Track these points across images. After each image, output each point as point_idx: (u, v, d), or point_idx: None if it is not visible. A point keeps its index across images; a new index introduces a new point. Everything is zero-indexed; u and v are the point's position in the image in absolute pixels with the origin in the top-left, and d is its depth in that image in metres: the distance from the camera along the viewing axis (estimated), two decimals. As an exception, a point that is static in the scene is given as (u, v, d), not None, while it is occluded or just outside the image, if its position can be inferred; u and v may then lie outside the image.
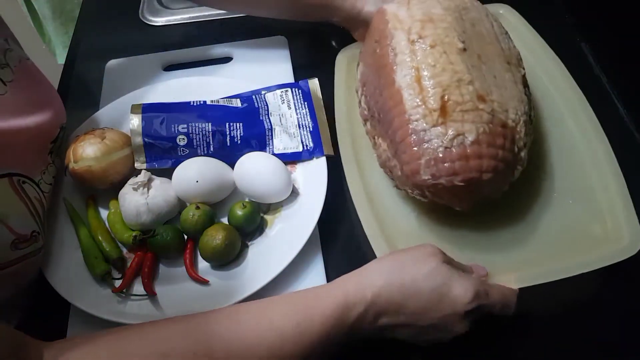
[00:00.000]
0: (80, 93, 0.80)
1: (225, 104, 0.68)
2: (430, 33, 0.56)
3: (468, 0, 0.62)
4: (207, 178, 0.61)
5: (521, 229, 0.58)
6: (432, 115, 0.52)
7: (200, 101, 0.68)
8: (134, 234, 0.59)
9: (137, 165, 0.64)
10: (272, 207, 0.63)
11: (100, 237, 0.60)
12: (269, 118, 0.67)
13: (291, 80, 0.77)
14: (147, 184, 0.61)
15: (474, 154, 0.51)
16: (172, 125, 0.64)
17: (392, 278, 0.47)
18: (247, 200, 0.62)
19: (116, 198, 0.62)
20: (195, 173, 0.61)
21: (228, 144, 0.65)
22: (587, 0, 0.85)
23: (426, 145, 0.52)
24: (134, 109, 0.66)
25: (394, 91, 0.55)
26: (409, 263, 0.48)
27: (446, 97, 0.52)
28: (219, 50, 0.82)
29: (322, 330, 0.45)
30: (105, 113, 0.72)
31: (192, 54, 0.83)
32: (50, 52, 1.30)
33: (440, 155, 0.51)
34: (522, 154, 0.55)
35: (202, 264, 0.60)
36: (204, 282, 0.57)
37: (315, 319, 0.45)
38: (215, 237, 0.57)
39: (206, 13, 0.89)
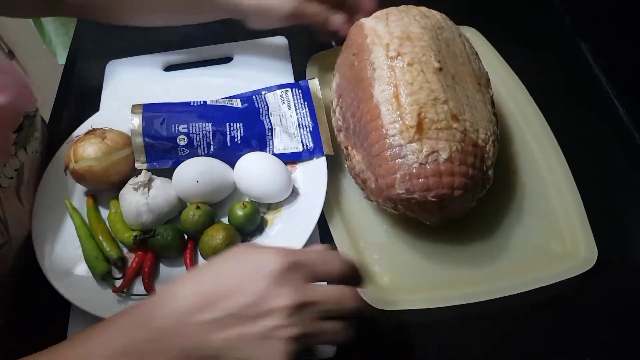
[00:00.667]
0: (80, 93, 0.82)
1: (226, 104, 0.68)
2: (408, 51, 0.57)
3: (443, 20, 0.63)
4: (208, 178, 0.61)
5: (486, 243, 0.61)
6: (409, 132, 0.54)
7: (200, 101, 0.68)
8: (134, 234, 0.60)
9: (137, 165, 0.64)
10: (272, 207, 0.64)
11: (100, 237, 0.61)
12: (269, 118, 0.68)
13: (291, 80, 0.77)
14: (148, 184, 0.61)
15: (446, 171, 0.53)
16: (173, 125, 0.64)
17: (191, 274, 0.45)
18: (247, 200, 0.63)
19: (116, 198, 0.63)
20: (196, 173, 0.61)
21: (228, 144, 0.65)
22: (586, 1, 0.85)
23: (402, 160, 0.54)
24: (135, 109, 0.66)
25: (371, 105, 0.56)
26: (206, 267, 0.46)
27: (422, 115, 0.54)
28: (219, 50, 0.83)
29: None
30: (105, 113, 0.72)
31: (193, 54, 0.83)
32: (51, 53, 1.30)
33: (415, 171, 0.53)
34: (490, 172, 0.58)
35: (203, 262, 0.60)
36: None
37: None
38: (215, 237, 0.57)
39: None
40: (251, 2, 0.67)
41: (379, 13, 0.64)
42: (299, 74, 0.78)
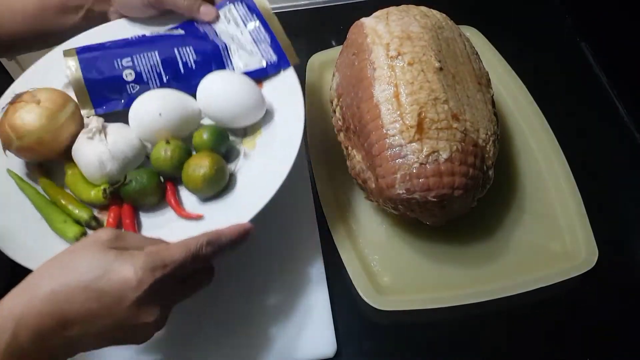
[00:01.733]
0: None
1: (168, 33, 0.61)
2: (408, 50, 0.57)
3: (443, 19, 0.64)
4: (170, 108, 0.55)
5: (486, 243, 0.61)
6: (409, 132, 0.54)
7: (138, 35, 0.61)
8: (103, 187, 0.53)
9: (84, 113, 0.57)
10: (250, 132, 0.59)
11: (63, 201, 0.54)
12: (220, 38, 0.61)
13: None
14: (103, 130, 0.54)
15: (447, 171, 0.53)
16: (115, 61, 0.57)
17: (38, 290, 0.39)
18: (207, 124, 0.57)
19: (67, 160, 0.56)
20: (156, 106, 0.55)
21: (182, 71, 0.58)
22: (586, 1, 0.85)
23: (402, 160, 0.54)
24: (67, 53, 0.59)
25: (371, 105, 0.56)
26: (64, 263, 0.41)
27: (423, 115, 0.54)
28: None
29: None
30: (27, 76, 0.63)
31: None
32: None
33: (415, 170, 0.53)
34: (490, 172, 0.58)
35: (188, 202, 0.55)
36: (198, 218, 0.53)
37: None
38: (201, 165, 0.53)
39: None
40: None
41: (379, 13, 0.63)
42: (299, 74, 0.77)
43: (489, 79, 0.64)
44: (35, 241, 0.53)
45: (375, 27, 0.61)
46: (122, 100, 0.58)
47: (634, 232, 0.63)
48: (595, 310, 0.57)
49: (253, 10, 0.62)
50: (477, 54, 0.65)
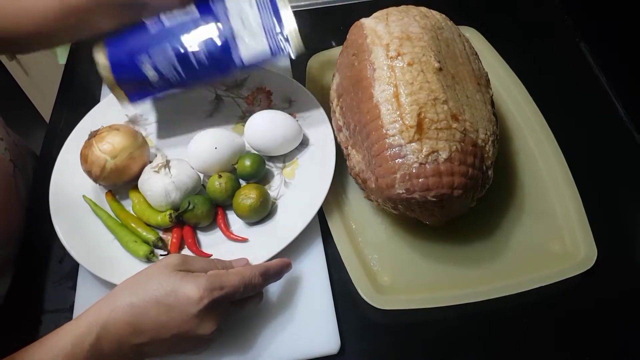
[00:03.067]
0: (81, 93, 0.83)
1: (181, 20, 0.63)
2: (408, 51, 0.58)
3: (442, 20, 0.64)
4: (224, 143, 0.65)
5: (486, 243, 0.61)
6: (409, 132, 0.54)
7: (156, 22, 0.63)
8: (169, 213, 0.62)
9: (121, 103, 0.64)
10: (288, 160, 0.68)
11: (133, 224, 0.63)
12: (228, 20, 0.63)
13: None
14: (167, 164, 0.64)
15: (446, 170, 0.53)
16: (137, 57, 0.62)
17: (120, 302, 0.47)
18: (248, 153, 0.66)
19: (132, 190, 0.65)
20: (211, 141, 0.65)
21: (196, 66, 0.62)
22: (586, 1, 0.85)
23: (402, 160, 0.54)
24: (97, 48, 0.63)
25: (371, 105, 0.57)
26: (141, 281, 0.49)
27: (422, 115, 0.54)
28: None
29: None
30: (100, 109, 0.73)
31: None
32: (52, 53, 1.27)
33: (415, 170, 0.53)
34: (490, 172, 0.58)
35: (235, 226, 0.64)
36: (244, 240, 0.62)
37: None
38: (248, 196, 0.62)
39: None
40: None
41: (379, 13, 0.64)
42: (299, 74, 0.78)
43: (489, 80, 0.64)
44: (112, 259, 0.62)
45: (375, 27, 0.61)
46: (153, 93, 0.64)
47: (632, 232, 0.63)
48: (595, 309, 0.57)
49: None
50: (476, 54, 0.65)
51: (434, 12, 0.65)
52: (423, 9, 0.64)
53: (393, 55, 0.58)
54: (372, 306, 0.56)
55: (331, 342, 0.56)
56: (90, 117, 0.72)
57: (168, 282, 0.48)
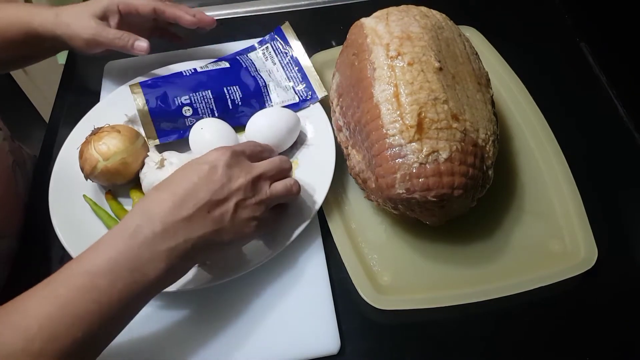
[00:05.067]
0: (80, 93, 0.83)
1: (215, 68, 0.71)
2: (408, 51, 0.58)
3: (443, 19, 0.64)
4: (225, 138, 0.65)
5: (486, 243, 0.61)
6: (409, 131, 0.54)
7: (190, 70, 0.71)
8: None
9: (150, 142, 0.67)
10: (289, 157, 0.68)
11: None
12: (259, 75, 0.72)
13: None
14: (167, 160, 0.64)
15: (446, 170, 0.53)
16: (175, 99, 0.68)
17: (158, 184, 0.51)
18: None
19: (132, 190, 0.65)
20: (213, 135, 0.65)
21: (230, 107, 0.69)
22: (586, 1, 0.85)
23: (402, 160, 0.54)
24: (133, 88, 0.69)
25: (371, 105, 0.57)
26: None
27: (423, 115, 0.54)
28: (218, 51, 0.83)
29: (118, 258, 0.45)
30: (101, 108, 0.73)
31: (192, 54, 0.83)
32: None
33: (415, 170, 0.53)
34: (490, 172, 0.58)
35: None
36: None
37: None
38: None
39: (206, 13, 0.90)
40: (63, 29, 0.68)
41: (379, 13, 0.64)
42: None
43: (489, 79, 0.64)
44: None
45: (375, 27, 0.61)
46: (181, 131, 0.68)
47: (633, 232, 0.63)
48: (595, 309, 0.57)
49: (286, 45, 0.75)
50: (476, 54, 0.65)
51: (434, 11, 0.65)
52: (423, 8, 0.64)
53: (393, 55, 0.58)
54: (372, 306, 0.56)
55: (331, 342, 0.55)
56: (89, 117, 0.73)
57: (195, 158, 0.53)
